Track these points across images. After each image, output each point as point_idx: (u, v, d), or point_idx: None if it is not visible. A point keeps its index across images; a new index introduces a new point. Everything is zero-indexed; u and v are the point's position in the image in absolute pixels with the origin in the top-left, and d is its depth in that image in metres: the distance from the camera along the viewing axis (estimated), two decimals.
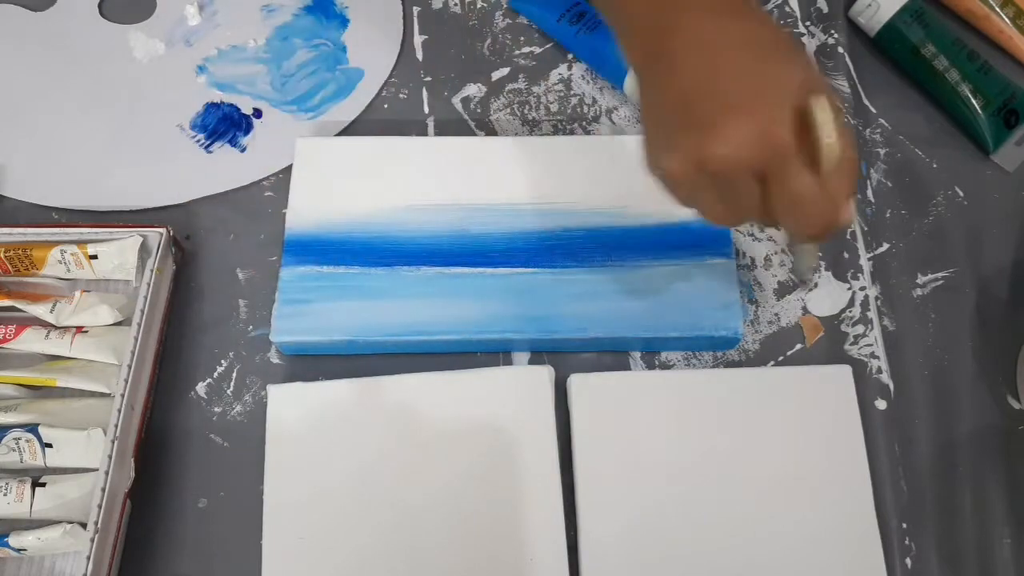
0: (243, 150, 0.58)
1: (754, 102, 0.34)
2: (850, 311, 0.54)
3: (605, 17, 0.38)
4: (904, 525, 0.49)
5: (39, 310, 0.50)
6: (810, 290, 0.54)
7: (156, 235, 0.52)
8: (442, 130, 0.59)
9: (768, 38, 0.36)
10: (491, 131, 0.59)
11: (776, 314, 0.54)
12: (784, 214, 0.36)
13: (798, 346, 0.53)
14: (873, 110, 0.60)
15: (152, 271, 0.50)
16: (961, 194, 0.58)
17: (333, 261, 0.52)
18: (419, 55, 0.62)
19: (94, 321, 0.50)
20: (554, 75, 0.61)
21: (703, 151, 0.34)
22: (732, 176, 0.35)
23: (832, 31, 0.62)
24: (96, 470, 0.45)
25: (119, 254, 0.51)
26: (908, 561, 0.48)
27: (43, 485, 0.46)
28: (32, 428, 0.46)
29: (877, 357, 0.53)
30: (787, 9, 0.63)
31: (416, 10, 0.63)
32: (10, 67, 0.61)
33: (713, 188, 0.36)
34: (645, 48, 0.38)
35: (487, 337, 0.51)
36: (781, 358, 0.53)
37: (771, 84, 0.34)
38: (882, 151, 0.59)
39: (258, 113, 0.59)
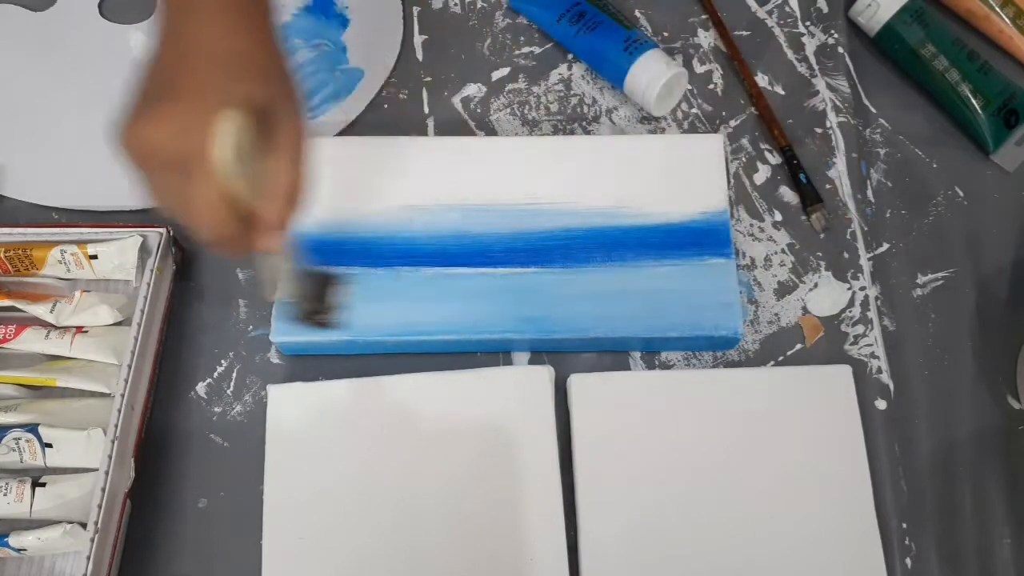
0: None
1: (192, 94, 0.35)
2: (850, 311, 0.54)
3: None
4: (904, 525, 0.49)
5: (39, 310, 0.50)
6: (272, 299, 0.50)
7: (156, 235, 0.52)
8: (442, 130, 0.59)
9: (242, 46, 0.37)
10: (491, 131, 0.59)
11: (776, 314, 0.54)
12: (184, 214, 0.37)
13: (798, 346, 0.53)
14: (873, 110, 0.60)
15: (152, 271, 0.50)
16: (961, 194, 0.58)
17: (333, 261, 0.52)
18: (419, 55, 0.62)
19: (94, 321, 0.50)
20: (554, 75, 0.61)
21: (137, 126, 0.35)
22: (148, 156, 0.35)
23: (832, 31, 0.62)
24: (96, 470, 0.45)
25: (119, 254, 0.51)
26: (908, 561, 0.48)
27: (43, 485, 0.46)
28: (32, 428, 0.46)
29: (877, 357, 0.53)
30: (787, 9, 0.63)
31: (416, 10, 0.63)
32: (10, 67, 0.61)
33: (144, 173, 0.37)
34: (157, 33, 0.38)
35: (487, 337, 0.51)
36: (781, 358, 0.53)
37: (217, 83, 0.35)
38: (882, 151, 0.59)
39: None
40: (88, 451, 0.46)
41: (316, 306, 0.44)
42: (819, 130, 0.59)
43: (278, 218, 0.38)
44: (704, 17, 0.63)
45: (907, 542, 0.48)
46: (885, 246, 0.56)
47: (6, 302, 0.50)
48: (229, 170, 0.35)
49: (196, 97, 0.35)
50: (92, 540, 0.43)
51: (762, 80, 0.61)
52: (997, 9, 0.61)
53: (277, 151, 0.37)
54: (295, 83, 0.39)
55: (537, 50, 0.62)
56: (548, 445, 0.48)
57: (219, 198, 0.36)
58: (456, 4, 0.64)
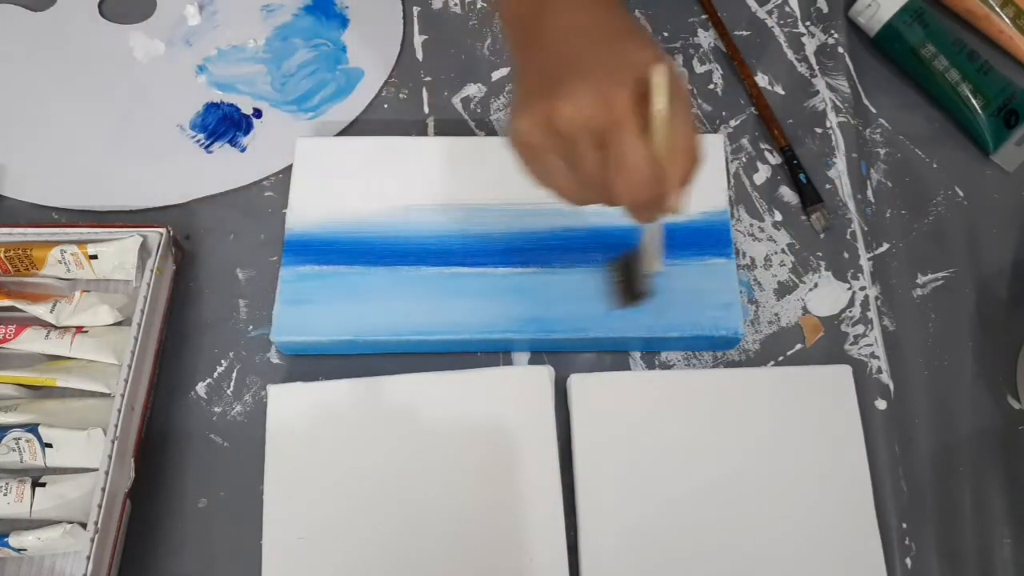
0: (243, 150, 0.58)
1: (597, 71, 0.37)
2: (850, 311, 0.54)
3: (499, 21, 0.41)
4: (904, 525, 0.49)
5: (39, 310, 0.50)
6: (642, 301, 0.50)
7: (156, 235, 0.52)
8: (442, 130, 0.59)
9: (618, 25, 0.40)
10: (491, 131, 0.59)
11: (776, 314, 0.54)
12: (612, 179, 0.38)
13: (798, 346, 0.53)
14: (873, 110, 0.60)
15: (152, 271, 0.50)
16: (961, 194, 0.58)
17: (333, 261, 0.52)
18: (419, 55, 0.62)
19: (94, 321, 0.50)
20: None
21: (549, 110, 0.37)
22: (573, 134, 0.37)
23: (832, 31, 0.62)
24: (96, 470, 0.45)
25: (119, 254, 0.51)
26: (908, 561, 0.48)
27: (43, 485, 0.46)
28: (32, 428, 0.46)
29: (877, 357, 0.53)
30: (787, 9, 0.63)
31: (416, 10, 0.63)
32: (10, 67, 0.61)
33: (558, 153, 0.39)
34: (518, 38, 0.42)
35: (487, 337, 0.51)
36: (781, 358, 0.53)
37: (615, 58, 0.38)
38: (882, 151, 0.59)
39: (258, 113, 0.59)
40: (88, 451, 0.46)
41: (639, 285, 0.49)
42: (819, 130, 0.59)
43: (685, 175, 0.39)
44: (704, 17, 0.63)
45: (907, 542, 0.48)
46: (885, 246, 0.56)
47: (6, 302, 0.50)
48: (665, 124, 0.37)
49: (604, 71, 0.37)
50: (92, 540, 0.43)
51: (762, 80, 0.61)
52: (997, 9, 0.61)
53: (681, 112, 0.38)
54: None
55: None
56: (548, 445, 0.48)
57: (648, 156, 0.37)
58: (456, 4, 0.64)
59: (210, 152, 0.58)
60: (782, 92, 0.61)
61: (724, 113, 0.60)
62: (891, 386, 0.52)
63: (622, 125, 0.36)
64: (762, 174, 0.58)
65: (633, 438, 0.48)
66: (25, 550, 0.44)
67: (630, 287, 0.49)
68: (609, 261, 0.50)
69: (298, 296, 0.51)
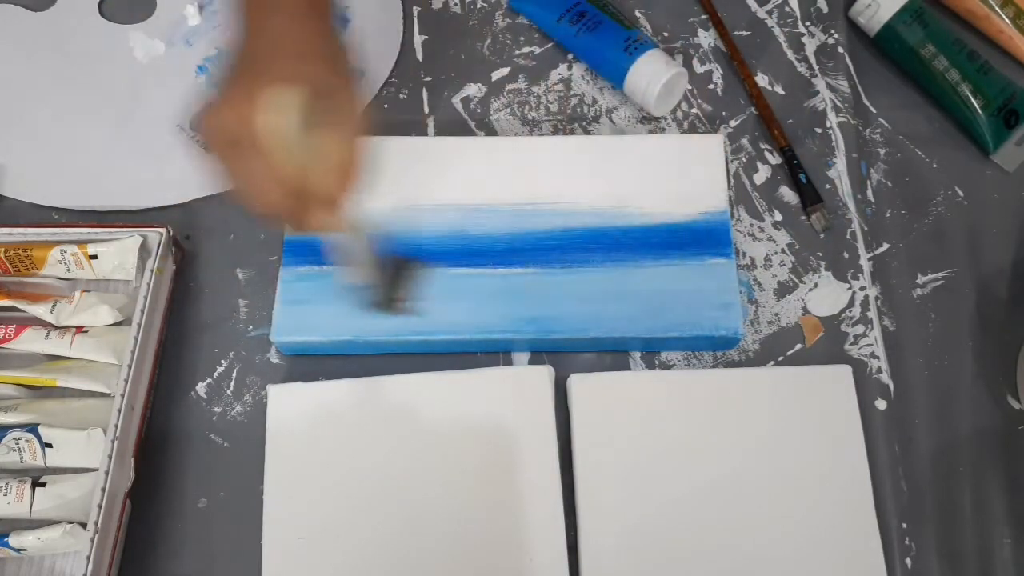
0: None
1: (257, 82, 0.38)
2: (850, 311, 0.54)
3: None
4: (904, 525, 0.49)
5: (39, 310, 0.50)
6: (403, 312, 0.47)
7: (156, 235, 0.52)
8: (442, 130, 0.59)
9: (307, 38, 0.40)
10: (491, 131, 0.59)
11: (776, 314, 0.54)
12: (243, 188, 0.39)
13: (798, 346, 0.53)
14: (873, 110, 0.60)
15: (152, 271, 0.50)
16: (961, 194, 0.58)
17: (333, 261, 0.52)
18: (419, 55, 0.62)
19: (94, 321, 0.50)
20: (554, 75, 0.61)
21: (210, 111, 0.38)
22: (212, 137, 0.38)
23: (832, 31, 0.62)
24: (96, 470, 0.45)
25: (119, 254, 0.51)
26: (908, 561, 0.48)
27: (43, 485, 0.46)
28: (32, 428, 0.46)
29: (877, 357, 0.53)
30: (787, 9, 0.63)
31: (416, 10, 0.63)
32: (10, 67, 0.61)
33: (215, 153, 0.39)
34: (239, 6, 0.42)
35: (487, 337, 0.51)
36: (781, 358, 0.53)
37: (280, 72, 0.38)
38: (882, 151, 0.59)
39: None
40: (88, 451, 0.46)
41: (393, 292, 0.46)
42: (819, 130, 0.59)
43: (330, 193, 0.40)
44: (704, 17, 0.63)
45: (907, 542, 0.48)
46: (885, 246, 0.56)
47: (6, 302, 0.50)
48: (287, 143, 0.37)
49: (263, 79, 0.38)
50: (92, 540, 0.43)
51: (762, 80, 0.61)
52: (997, 9, 0.61)
53: (333, 131, 0.39)
54: (353, 72, 0.42)
55: (537, 50, 0.62)
56: (548, 445, 0.48)
57: (274, 172, 0.38)
58: (456, 4, 0.64)
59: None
60: (782, 92, 0.61)
61: (724, 113, 0.60)
62: (891, 386, 0.52)
63: (254, 135, 0.37)
64: (762, 174, 0.58)
65: (633, 438, 0.48)
66: (25, 550, 0.44)
67: (388, 293, 0.47)
68: (375, 260, 0.46)
69: (298, 296, 0.51)
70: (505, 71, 0.61)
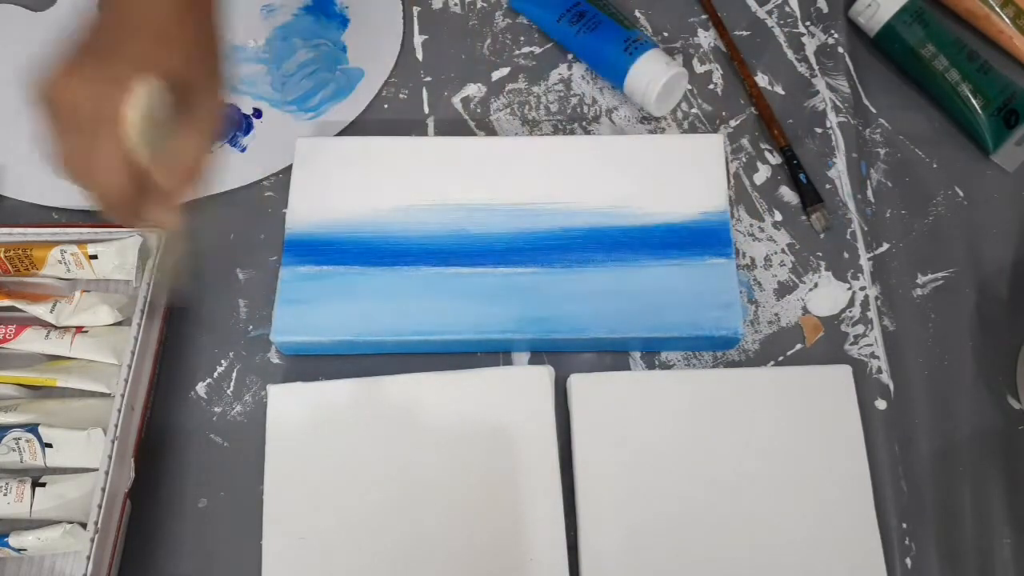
0: (243, 150, 0.58)
1: (117, 63, 0.37)
2: (850, 311, 0.54)
3: None
4: (904, 525, 0.49)
5: (39, 310, 0.50)
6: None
7: (156, 235, 0.51)
8: (442, 130, 0.59)
9: (178, 31, 0.39)
10: (491, 131, 0.59)
11: (776, 314, 0.54)
12: (85, 168, 0.38)
13: (798, 346, 0.53)
14: (873, 110, 0.60)
15: (152, 271, 0.50)
16: (961, 194, 0.58)
17: (333, 261, 0.52)
18: (419, 55, 0.62)
19: (94, 321, 0.50)
20: (554, 75, 0.61)
21: (60, 82, 0.37)
22: (64, 118, 0.37)
23: (832, 31, 0.62)
24: (96, 470, 0.45)
25: (119, 254, 0.51)
26: (908, 561, 0.48)
27: (43, 485, 0.46)
28: (32, 428, 0.46)
29: (877, 357, 0.53)
30: (787, 9, 0.63)
31: (416, 10, 0.63)
32: (10, 67, 0.60)
33: (58, 127, 0.38)
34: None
35: (487, 337, 0.51)
36: (781, 358, 0.53)
37: (141, 58, 0.37)
38: (882, 151, 0.59)
39: (258, 113, 0.59)
40: (88, 451, 0.46)
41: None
42: (819, 130, 0.59)
43: (172, 189, 0.39)
44: (704, 17, 0.63)
45: (907, 542, 0.48)
46: (885, 246, 0.56)
47: (6, 302, 0.50)
48: (137, 133, 0.37)
49: (123, 62, 0.37)
50: (92, 540, 0.43)
51: (762, 80, 0.61)
52: (997, 9, 0.61)
53: (187, 127, 0.39)
54: (221, 69, 0.41)
55: (537, 50, 0.62)
56: (548, 445, 0.48)
57: (121, 159, 0.37)
58: (456, 4, 0.64)
59: (210, 152, 0.58)
60: (782, 92, 0.61)
61: (724, 113, 0.60)
62: (891, 386, 0.52)
63: (108, 120, 0.36)
64: (762, 174, 0.58)
65: (633, 438, 0.48)
66: (25, 550, 0.44)
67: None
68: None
69: (298, 296, 0.51)
70: (505, 71, 0.61)
